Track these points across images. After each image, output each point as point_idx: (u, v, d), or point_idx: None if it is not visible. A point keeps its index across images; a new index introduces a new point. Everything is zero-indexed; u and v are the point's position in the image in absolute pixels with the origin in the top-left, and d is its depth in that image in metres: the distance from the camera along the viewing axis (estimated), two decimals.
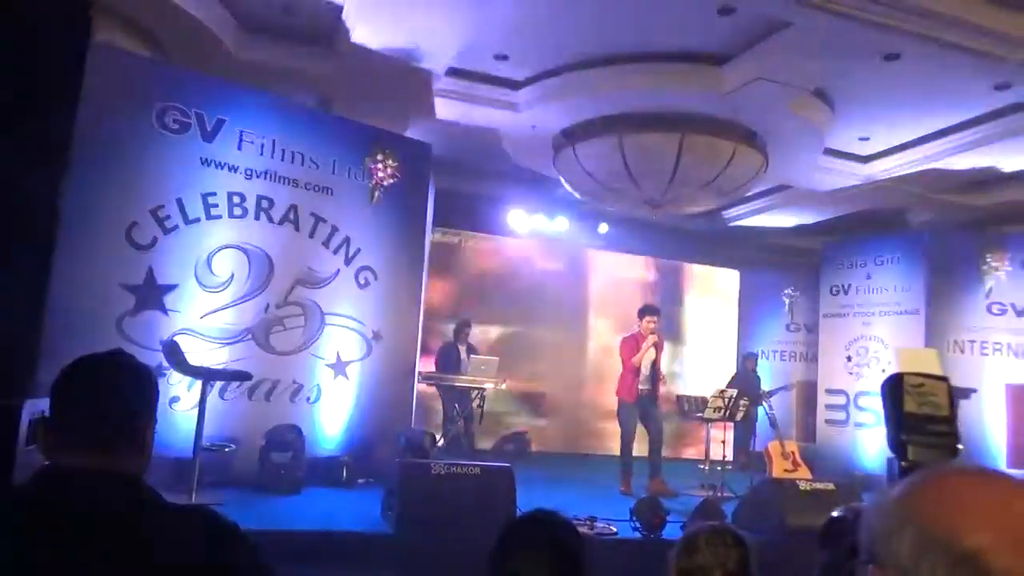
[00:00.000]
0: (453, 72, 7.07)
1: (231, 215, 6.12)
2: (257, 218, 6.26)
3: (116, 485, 1.13)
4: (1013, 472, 7.99)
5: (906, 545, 0.73)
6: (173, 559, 1.08)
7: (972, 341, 9.07)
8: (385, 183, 6.86)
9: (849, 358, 9.87)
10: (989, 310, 9.11)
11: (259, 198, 6.27)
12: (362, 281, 6.80)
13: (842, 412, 9.75)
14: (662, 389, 7.26)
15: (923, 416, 1.62)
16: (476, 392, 8.31)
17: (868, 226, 10.53)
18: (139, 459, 1.21)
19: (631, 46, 6.64)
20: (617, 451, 7.27)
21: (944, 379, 1.73)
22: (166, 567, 1.07)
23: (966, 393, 7.84)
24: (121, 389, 1.21)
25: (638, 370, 7.10)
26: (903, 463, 1.58)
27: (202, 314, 5.88)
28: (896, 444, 1.63)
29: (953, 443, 1.64)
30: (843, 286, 10.14)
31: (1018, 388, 8.82)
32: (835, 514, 1.51)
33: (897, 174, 8.70)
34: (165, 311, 5.70)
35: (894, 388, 1.67)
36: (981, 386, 8.52)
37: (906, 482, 0.79)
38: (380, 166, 6.81)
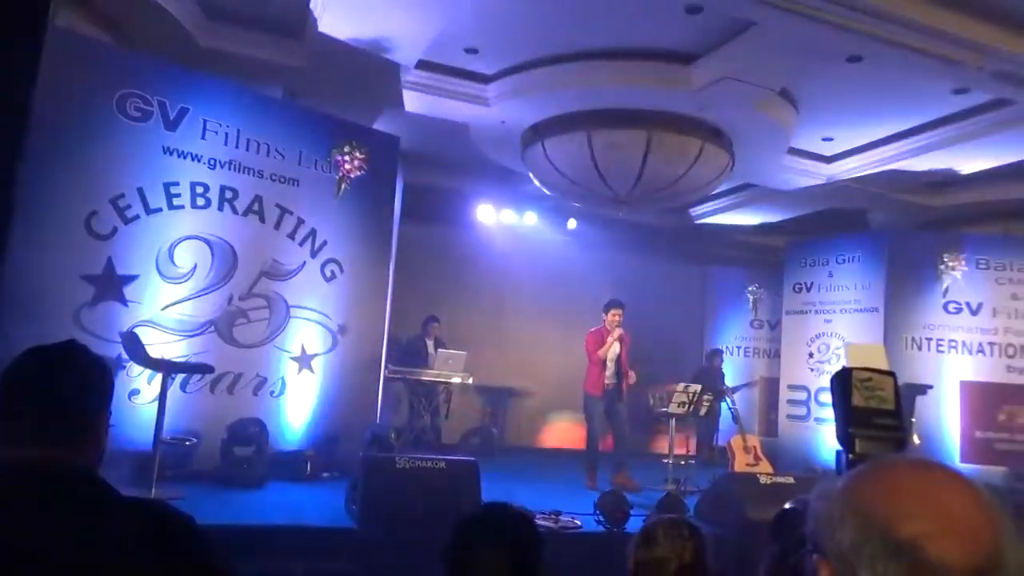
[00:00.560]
0: (422, 65, 7.02)
1: (194, 205, 6.03)
2: (221, 209, 6.17)
3: (66, 479, 1.11)
4: (966, 467, 8.20)
5: (848, 534, 0.75)
6: (125, 554, 1.06)
7: (929, 339, 9.29)
8: (352, 175, 6.81)
9: (811, 354, 10.04)
10: (945, 308, 9.33)
11: (223, 188, 6.18)
12: (328, 274, 6.74)
13: (803, 407, 9.93)
14: (630, 381, 7.30)
15: (870, 410, 1.66)
16: (443, 387, 8.31)
17: (830, 225, 10.71)
18: (91, 452, 1.18)
19: (601, 43, 6.66)
20: (584, 445, 7.32)
21: (891, 374, 1.78)
22: (117, 562, 1.06)
23: (923, 389, 8.04)
24: (73, 381, 1.18)
25: (604, 364, 7.15)
26: (850, 455, 1.63)
27: (163, 306, 5.79)
28: (844, 437, 1.67)
29: (898, 436, 1.69)
30: (806, 284, 10.32)
31: (972, 385, 9.06)
32: (786, 506, 1.54)
33: (859, 174, 8.86)
34: (125, 302, 5.60)
35: (843, 382, 1.72)
36: (937, 382, 8.74)
37: (849, 474, 0.81)
38: (347, 158, 6.76)
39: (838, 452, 1.74)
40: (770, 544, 1.54)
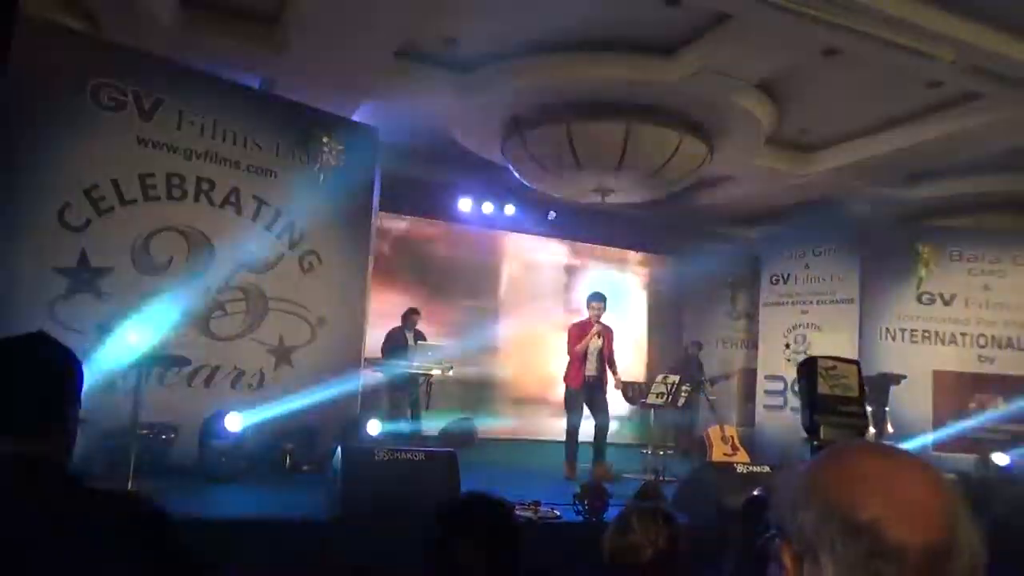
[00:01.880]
0: (400, 55, 6.99)
1: (170, 197, 5.97)
2: (197, 200, 6.11)
3: (36, 469, 1.11)
4: (938, 455, 8.32)
5: (809, 518, 0.77)
6: (95, 543, 1.06)
7: (903, 329, 9.43)
8: (330, 167, 6.77)
9: (787, 345, 10.15)
10: (919, 299, 9.47)
11: (199, 180, 6.12)
12: (306, 266, 6.71)
13: (780, 398, 10.03)
14: (614, 380, 7.33)
15: (835, 397, 1.70)
16: (423, 378, 8.29)
17: (807, 217, 10.81)
18: (61, 443, 1.18)
19: (580, 34, 6.67)
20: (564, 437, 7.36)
21: (855, 362, 1.82)
22: (88, 551, 1.06)
23: (896, 379, 8.16)
24: (41, 372, 1.18)
25: (585, 357, 7.18)
26: (815, 443, 1.66)
27: (139, 298, 5.72)
28: (809, 424, 1.71)
29: (862, 423, 1.73)
30: (783, 275, 10.41)
31: (944, 374, 9.22)
32: (755, 493, 1.57)
33: (835, 165, 8.95)
34: (100, 295, 5.53)
35: (809, 371, 1.75)
36: (911, 372, 8.87)
37: (810, 460, 0.83)
38: (325, 149, 6.71)
39: (804, 439, 1.77)
40: (739, 530, 1.56)
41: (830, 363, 1.77)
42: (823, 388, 1.74)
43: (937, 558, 0.72)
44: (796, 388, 9.69)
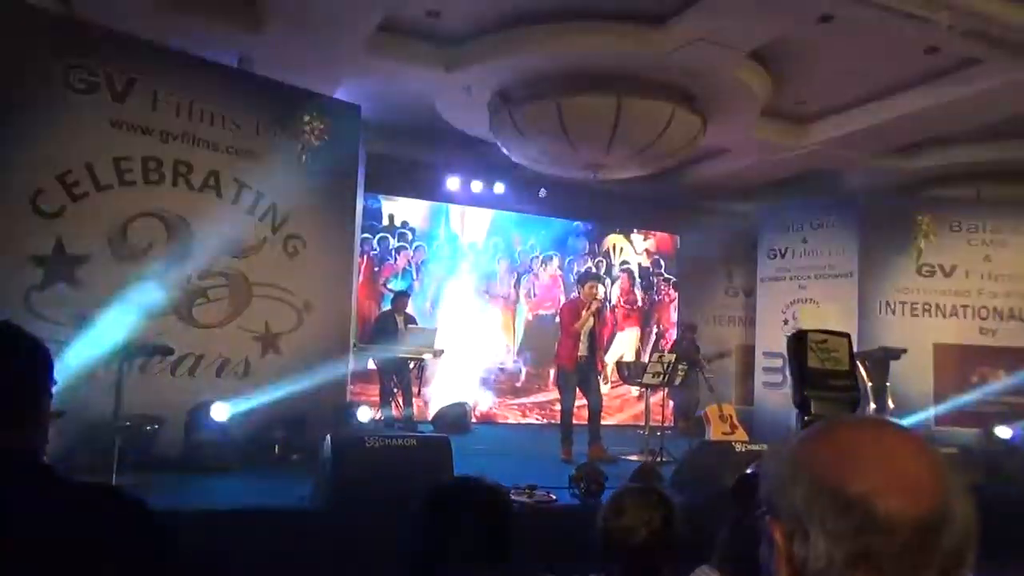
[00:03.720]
0: (383, 28, 6.91)
1: (147, 181, 5.92)
2: (175, 184, 6.07)
3: (9, 460, 1.10)
4: (940, 429, 8.39)
5: (798, 493, 0.77)
6: (72, 535, 1.06)
7: (903, 302, 9.47)
8: (312, 146, 6.72)
9: (786, 321, 10.19)
10: (919, 272, 9.51)
11: (176, 163, 6.07)
12: (290, 249, 6.68)
13: (779, 375, 10.08)
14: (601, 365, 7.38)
15: (825, 371, 1.70)
16: (414, 362, 8.31)
17: (805, 190, 10.82)
18: (34, 434, 1.17)
19: (568, 3, 6.61)
20: (558, 419, 7.40)
21: (846, 335, 1.82)
22: (65, 544, 1.05)
23: (896, 353, 8.19)
24: (9, 362, 1.17)
25: (578, 337, 7.19)
26: (806, 417, 1.67)
27: (118, 287, 5.69)
28: (800, 399, 1.72)
29: (853, 397, 1.74)
30: (780, 250, 10.44)
31: (945, 348, 9.28)
32: (747, 471, 1.58)
33: (833, 136, 8.94)
34: (77, 284, 5.50)
35: (798, 345, 1.75)
36: (912, 346, 8.92)
37: (799, 434, 0.83)
38: (307, 128, 6.66)
39: (795, 415, 1.78)
40: (731, 509, 1.58)
41: (820, 336, 1.77)
42: (813, 362, 1.74)
43: (929, 532, 0.73)
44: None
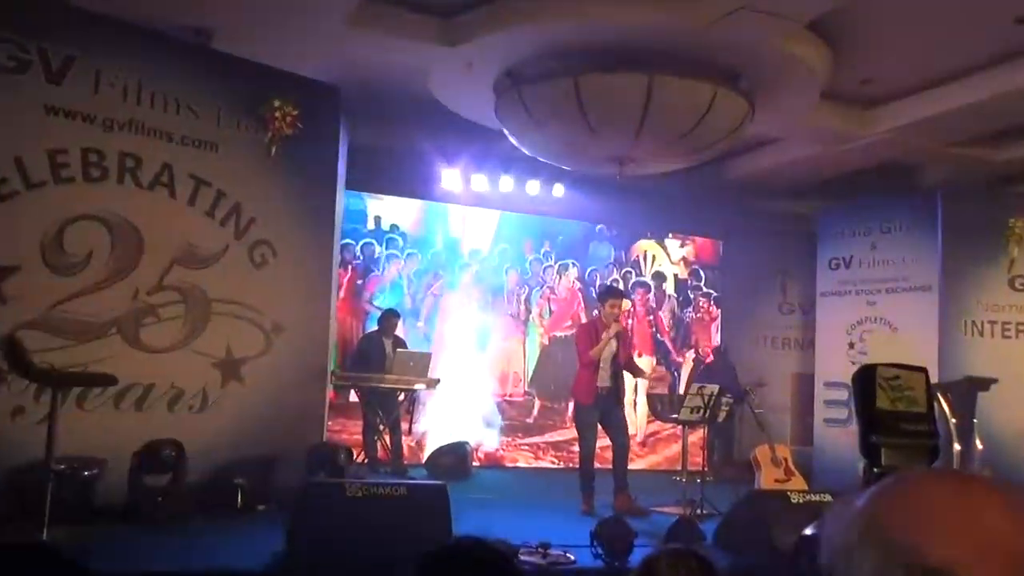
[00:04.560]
0: None
1: (87, 178, 5.99)
2: (121, 181, 6.14)
3: None
4: None
5: (868, 561, 0.76)
6: None
7: (993, 322, 9.42)
8: (284, 136, 6.75)
9: (852, 344, 10.15)
10: (1012, 285, 9.46)
11: (122, 156, 6.13)
12: (258, 259, 6.72)
13: (844, 409, 10.01)
14: (640, 379, 7.32)
15: (898, 413, 1.68)
16: (404, 394, 8.30)
17: (873, 187, 10.80)
18: None
19: None
20: (576, 463, 7.37)
21: (922, 370, 1.79)
22: None
23: (985, 384, 8.14)
24: None
25: (597, 365, 7.16)
26: (875, 468, 1.64)
27: (52, 303, 5.74)
28: (867, 447, 1.69)
29: (931, 444, 1.71)
30: (844, 259, 10.41)
31: None
32: (807, 532, 1.56)
33: (905, 123, 8.92)
34: (3, 300, 5.55)
35: (865, 382, 1.73)
36: (1004, 375, 8.85)
37: (870, 491, 0.82)
38: (277, 115, 6.70)
39: (862, 464, 1.76)
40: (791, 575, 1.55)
41: (891, 372, 1.76)
42: (883, 402, 1.72)
43: None
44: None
